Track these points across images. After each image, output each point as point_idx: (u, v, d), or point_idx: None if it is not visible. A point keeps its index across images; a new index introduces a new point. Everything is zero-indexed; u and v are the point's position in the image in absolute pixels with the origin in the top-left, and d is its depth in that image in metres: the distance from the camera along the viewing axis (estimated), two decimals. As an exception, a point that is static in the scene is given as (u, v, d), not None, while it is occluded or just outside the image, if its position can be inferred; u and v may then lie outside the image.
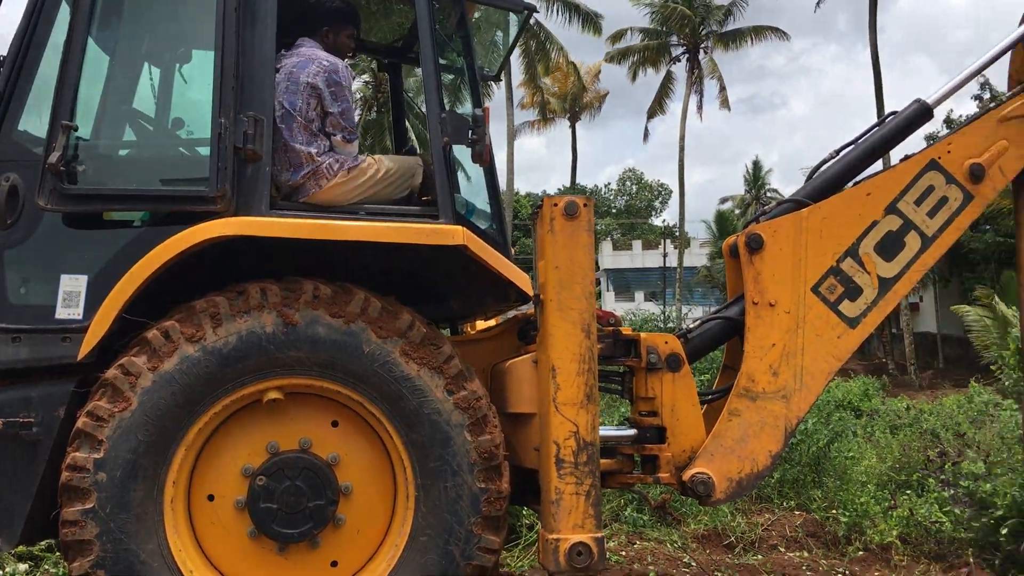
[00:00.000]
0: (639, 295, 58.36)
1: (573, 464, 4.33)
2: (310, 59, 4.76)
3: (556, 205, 4.45)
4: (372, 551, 4.36)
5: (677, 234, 47.63)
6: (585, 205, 4.49)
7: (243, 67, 4.37)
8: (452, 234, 4.40)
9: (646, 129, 54.91)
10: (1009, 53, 5.29)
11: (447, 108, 4.69)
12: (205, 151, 4.45)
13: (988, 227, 32.87)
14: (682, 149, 44.02)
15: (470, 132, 4.58)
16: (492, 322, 6.02)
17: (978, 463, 8.52)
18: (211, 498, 4.29)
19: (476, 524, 4.27)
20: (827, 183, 5.14)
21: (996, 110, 5.11)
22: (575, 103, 48.54)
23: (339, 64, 4.81)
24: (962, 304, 27.45)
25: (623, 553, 7.71)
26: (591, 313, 4.45)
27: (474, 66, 5.21)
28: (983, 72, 5.24)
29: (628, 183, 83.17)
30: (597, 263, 65.17)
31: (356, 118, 4.93)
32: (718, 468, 4.83)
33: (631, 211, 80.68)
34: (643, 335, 5.06)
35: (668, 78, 46.60)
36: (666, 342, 5.03)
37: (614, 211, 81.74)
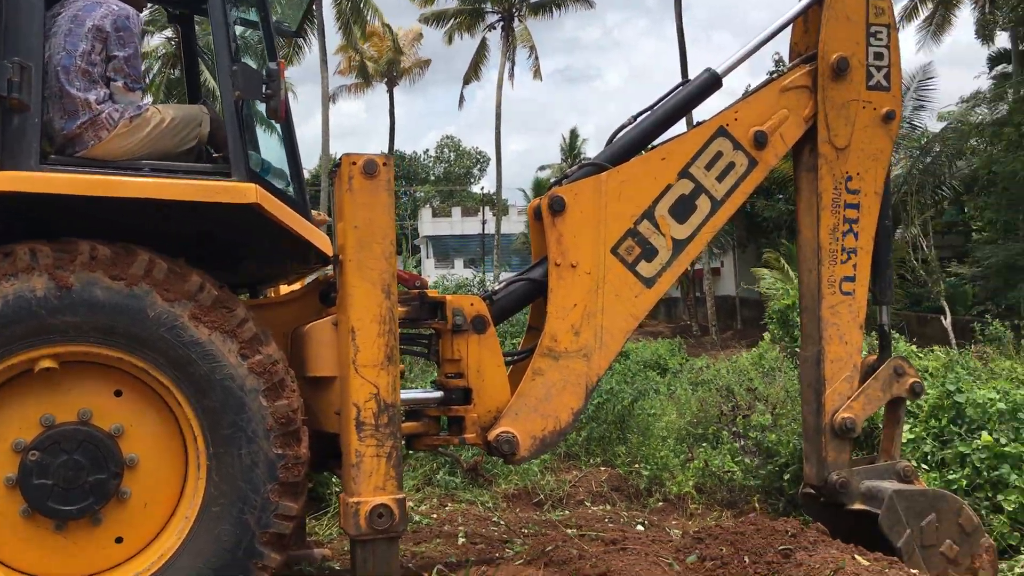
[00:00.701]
0: (459, 262, 58.70)
1: (374, 426, 4.29)
2: (99, 3, 4.41)
3: (355, 164, 4.36)
4: (161, 524, 4.16)
5: (496, 201, 48.10)
6: (385, 164, 4.42)
7: (7, 11, 4.01)
8: (244, 192, 4.21)
9: (461, 95, 54.80)
10: (791, 27, 5.62)
11: (239, 61, 4.47)
12: (-37, 100, 4.04)
13: (780, 195, 35.14)
14: (498, 117, 44.40)
15: (264, 87, 4.39)
16: (297, 286, 5.85)
17: (766, 415, 9.10)
18: (-22, 477, 3.96)
19: (273, 491, 4.14)
20: (625, 147, 5.26)
21: (778, 80, 5.37)
22: (392, 67, 47.87)
23: (131, 11, 4.49)
24: (759, 268, 29.33)
25: (434, 516, 7.75)
26: (391, 274, 4.40)
27: (268, 19, 5.00)
28: (775, 47, 5.57)
29: (447, 150, 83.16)
30: (417, 230, 65.20)
31: (142, 69, 4.60)
32: (522, 427, 4.92)
33: (450, 178, 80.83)
34: (449, 297, 5.07)
35: (483, 45, 46.83)
36: (472, 304, 5.05)
37: (433, 178, 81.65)
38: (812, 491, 5.49)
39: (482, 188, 69.95)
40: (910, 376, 5.54)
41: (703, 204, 5.18)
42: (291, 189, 4.99)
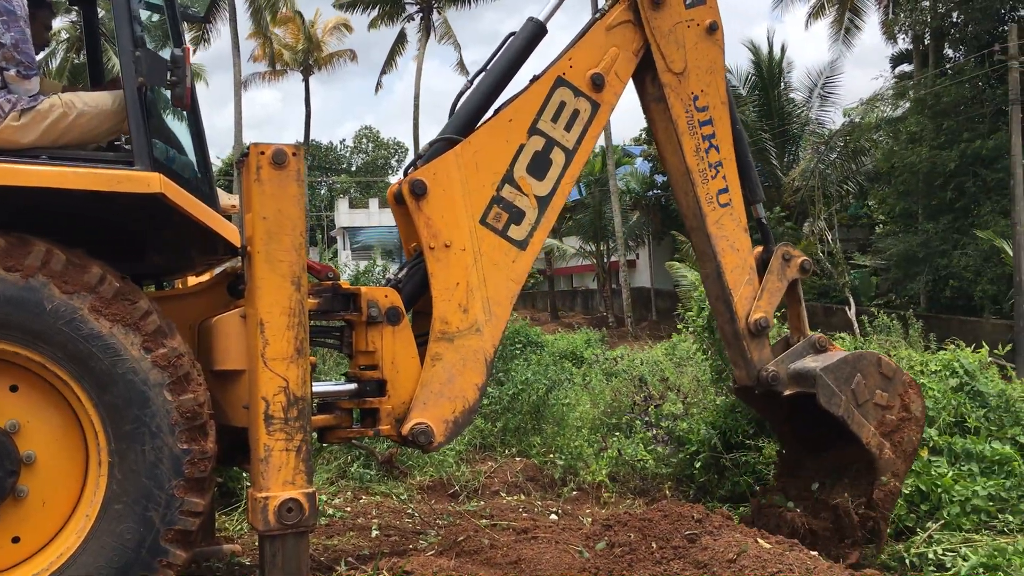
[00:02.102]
0: (376, 253, 58.25)
1: (283, 420, 4.23)
2: None
3: (263, 153, 4.28)
4: (61, 523, 4.03)
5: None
6: (295, 154, 4.35)
7: None
8: (148, 181, 4.10)
9: (379, 82, 54.36)
10: None
11: (142, 46, 4.34)
12: None
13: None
14: (417, 107, 44.15)
15: (168, 73, 4.28)
16: (206, 277, 5.73)
17: (677, 404, 9.29)
18: None
19: (178, 487, 4.06)
20: (470, 115, 5.24)
21: (602, 20, 5.44)
22: (308, 56, 47.07)
23: None
24: (673, 261, 29.85)
25: (348, 509, 7.70)
26: (301, 266, 4.34)
27: (174, 3, 4.87)
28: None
29: (364, 141, 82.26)
30: (334, 221, 64.30)
31: (35, 54, 4.41)
32: (432, 414, 4.91)
33: (368, 169, 80.00)
34: (364, 288, 5.02)
35: (402, 35, 46.45)
36: (386, 295, 5.01)
37: (352, 169, 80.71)
38: (740, 387, 6.00)
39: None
40: (797, 257, 6.00)
41: (557, 157, 5.23)
42: (198, 178, 4.88)
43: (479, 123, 5.20)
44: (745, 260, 5.86)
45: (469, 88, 5.33)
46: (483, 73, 5.33)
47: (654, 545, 4.16)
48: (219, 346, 4.53)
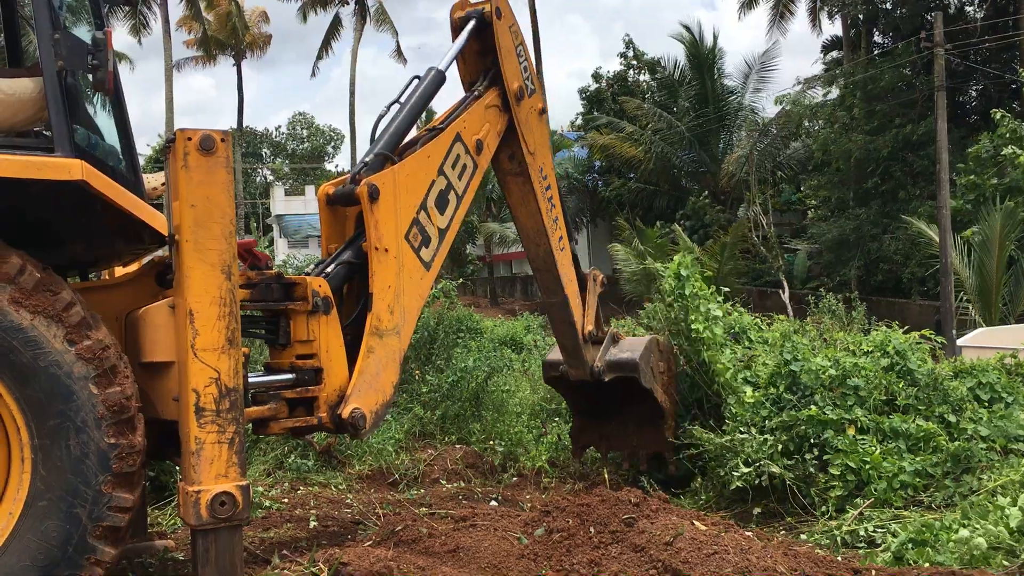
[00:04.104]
0: (312, 241, 57.50)
1: (215, 412, 4.15)
2: None
3: (190, 139, 4.17)
4: (-18, 523, 3.89)
5: (350, 180, 47.20)
6: (223, 140, 4.25)
7: None
8: (69, 168, 3.96)
9: (315, 67, 53.75)
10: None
11: (61, 28, 4.19)
12: None
13: (629, 176, 36.12)
14: (352, 94, 43.63)
15: (89, 56, 4.14)
16: (133, 267, 5.58)
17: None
18: None
19: (106, 483, 3.95)
20: (396, 138, 5.78)
21: (481, 99, 6.26)
22: (236, 39, 46.06)
23: None
24: (615, 244, 30.06)
25: (285, 500, 7.59)
26: (232, 254, 4.25)
27: (96, -16, 4.71)
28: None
29: (299, 127, 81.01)
30: (269, 209, 63.34)
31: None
32: (365, 402, 5.09)
33: (304, 156, 78.88)
34: (308, 278, 5.09)
35: (336, 21, 45.82)
36: (320, 285, 5.09)
37: (290, 155, 79.50)
38: (556, 377, 7.80)
39: (336, 166, 68.74)
40: (599, 276, 7.76)
41: (452, 199, 5.89)
42: (122, 166, 4.74)
43: (402, 149, 5.75)
44: (576, 288, 7.34)
45: (386, 114, 5.91)
46: (398, 105, 5.94)
47: (592, 530, 4.17)
48: (147, 337, 4.42)
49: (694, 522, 4.16)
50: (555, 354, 7.85)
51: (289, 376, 5.00)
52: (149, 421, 4.32)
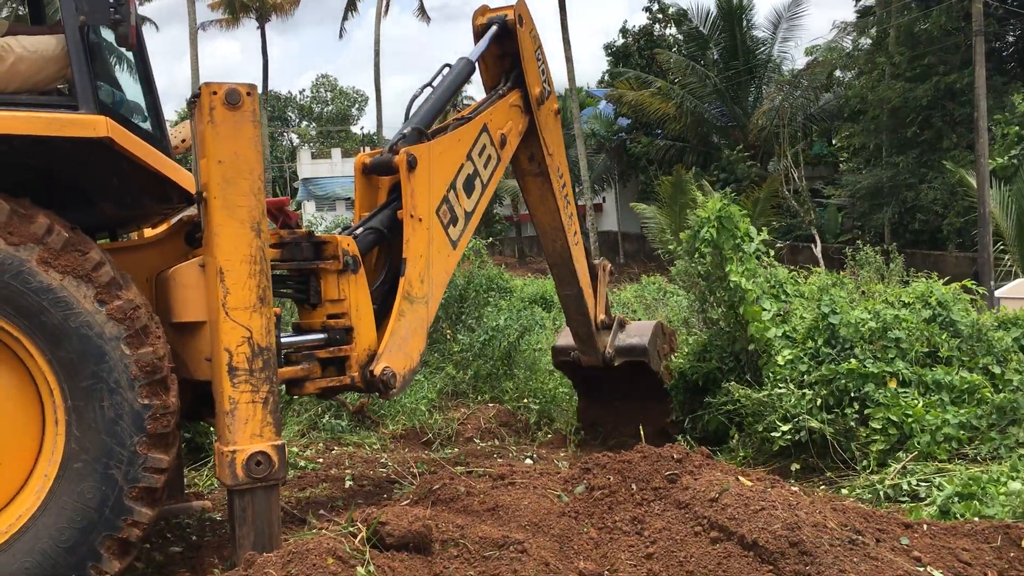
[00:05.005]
0: (340, 204, 57.57)
1: (248, 371, 4.09)
2: None
3: (215, 93, 4.07)
4: (19, 485, 3.88)
5: (376, 142, 47.14)
6: (249, 94, 4.15)
7: None
8: (94, 125, 3.88)
9: (342, 27, 53.33)
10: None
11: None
12: None
13: (658, 132, 35.61)
14: (377, 53, 43.27)
15: (111, 11, 4.03)
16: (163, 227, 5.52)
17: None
18: None
19: (141, 444, 3.91)
20: (429, 118, 5.88)
21: (506, 97, 6.41)
22: (263, 2, 45.73)
23: None
24: (639, 203, 29.75)
25: (320, 460, 7.60)
26: (260, 211, 4.17)
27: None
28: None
29: (323, 90, 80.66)
30: (296, 172, 63.35)
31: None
32: (395, 362, 5.11)
33: (328, 118, 78.63)
34: (338, 237, 5.07)
35: (361, -22, 45.37)
36: (349, 244, 5.07)
37: (315, 118, 79.30)
38: (566, 362, 8.08)
39: (362, 128, 68.50)
40: (607, 265, 8.15)
41: (478, 185, 6.00)
42: (147, 123, 4.66)
43: (433, 133, 5.84)
44: (588, 280, 7.62)
45: (420, 95, 6.05)
46: (430, 88, 6.09)
47: (634, 487, 4.08)
48: (178, 297, 4.36)
49: (739, 478, 4.05)
50: (564, 340, 8.19)
51: (321, 336, 4.99)
52: (183, 382, 4.28)
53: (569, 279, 7.41)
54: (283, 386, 5.03)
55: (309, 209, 53.62)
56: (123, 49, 4.47)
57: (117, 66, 4.94)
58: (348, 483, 6.58)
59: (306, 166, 61.73)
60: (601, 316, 7.76)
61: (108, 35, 4.51)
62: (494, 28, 6.37)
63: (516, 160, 6.86)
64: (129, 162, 4.11)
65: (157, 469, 3.95)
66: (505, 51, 6.52)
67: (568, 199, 7.23)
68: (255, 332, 4.10)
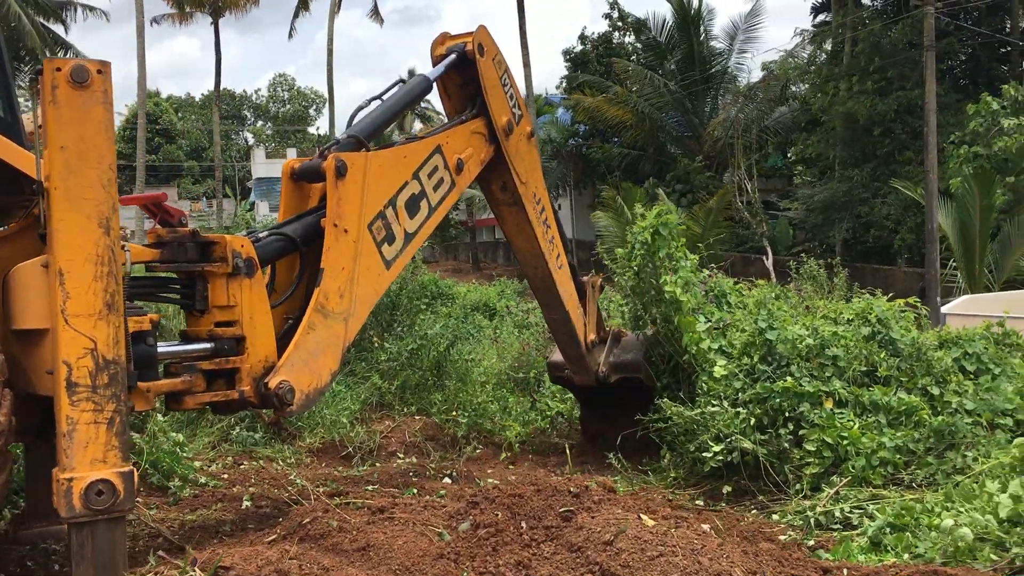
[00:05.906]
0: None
1: (90, 387, 3.60)
2: None
3: (59, 70, 3.59)
4: None
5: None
6: (100, 72, 3.67)
7: None
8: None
9: (292, 27, 52.80)
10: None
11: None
12: None
13: (614, 140, 35.41)
14: (330, 52, 42.51)
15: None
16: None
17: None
18: None
19: (-39, 467, 3.40)
20: (372, 129, 5.58)
21: (468, 124, 6.18)
22: (217, -1, 44.77)
23: None
24: (596, 211, 29.43)
25: (225, 476, 7.08)
26: (111, 205, 3.69)
27: None
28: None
29: (280, 90, 79.48)
30: (250, 172, 62.36)
31: None
32: (297, 378, 4.69)
33: (286, 118, 77.53)
34: (228, 237, 4.65)
35: (315, -24, 44.69)
36: (242, 245, 4.67)
37: (271, 118, 78.17)
38: (562, 377, 7.94)
39: (317, 129, 67.71)
40: (596, 280, 7.88)
41: (424, 207, 5.70)
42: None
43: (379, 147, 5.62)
44: (576, 302, 7.39)
45: (367, 106, 5.76)
46: (378, 101, 5.82)
47: (524, 525, 3.63)
48: (19, 301, 3.86)
49: (641, 516, 3.62)
50: (558, 355, 7.90)
51: (207, 345, 4.57)
52: (27, 397, 3.78)
53: (554, 303, 7.20)
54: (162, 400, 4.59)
55: (263, 209, 52.73)
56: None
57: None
58: (246, 504, 6.06)
59: (261, 165, 60.89)
60: (592, 336, 7.56)
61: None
62: (452, 57, 6.13)
63: (488, 190, 6.73)
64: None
65: (-19, 496, 3.44)
66: (467, 78, 6.27)
67: (548, 223, 6.97)
68: (100, 343, 3.60)
